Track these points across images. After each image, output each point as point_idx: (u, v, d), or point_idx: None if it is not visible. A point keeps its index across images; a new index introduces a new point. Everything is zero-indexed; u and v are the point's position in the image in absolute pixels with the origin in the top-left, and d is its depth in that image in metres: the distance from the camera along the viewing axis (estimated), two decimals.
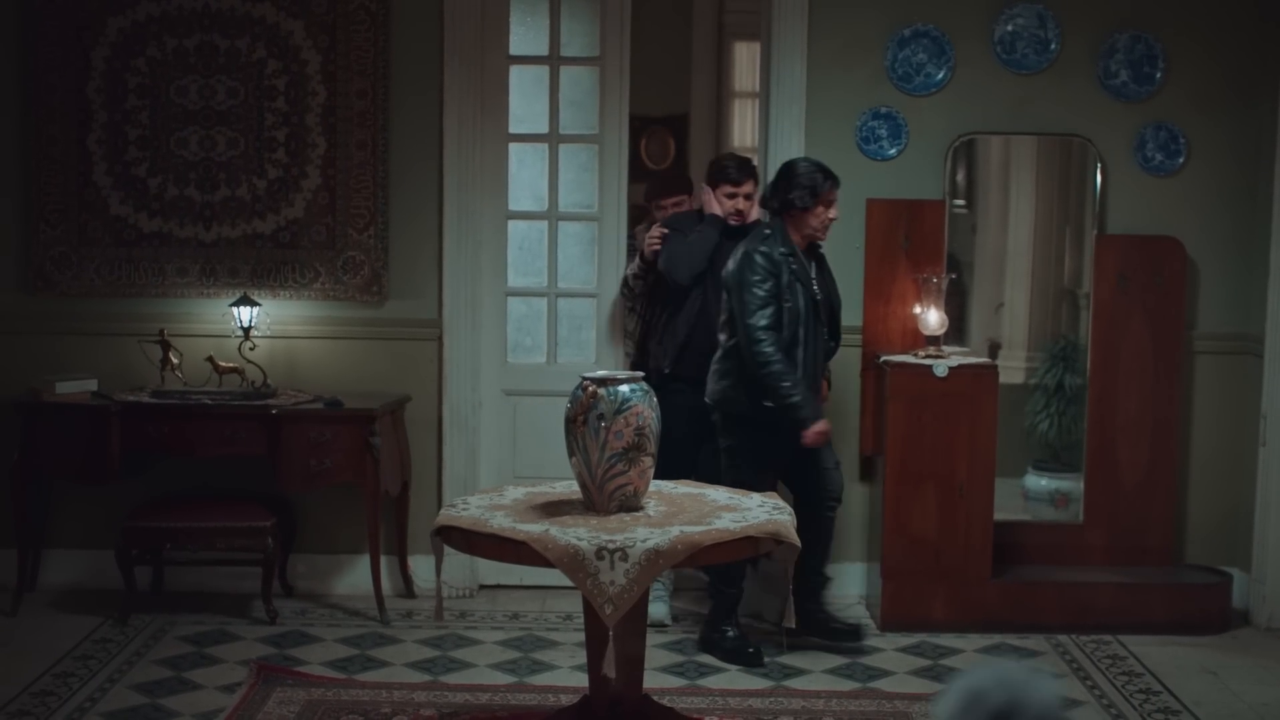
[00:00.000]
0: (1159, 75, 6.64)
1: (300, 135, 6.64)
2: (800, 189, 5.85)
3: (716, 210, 6.28)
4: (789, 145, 6.61)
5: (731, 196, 6.27)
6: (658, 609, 6.25)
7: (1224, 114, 6.67)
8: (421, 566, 6.69)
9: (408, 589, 6.73)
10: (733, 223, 6.24)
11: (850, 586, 6.70)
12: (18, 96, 6.60)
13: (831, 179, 5.90)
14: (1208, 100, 6.66)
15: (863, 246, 6.61)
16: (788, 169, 5.95)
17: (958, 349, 6.55)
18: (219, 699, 5.36)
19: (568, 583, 4.56)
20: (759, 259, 5.80)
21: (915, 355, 6.41)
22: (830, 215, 5.89)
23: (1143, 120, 6.65)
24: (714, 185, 6.32)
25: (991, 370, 6.31)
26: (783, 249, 5.84)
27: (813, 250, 5.99)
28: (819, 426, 5.81)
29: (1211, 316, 6.75)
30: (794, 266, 5.82)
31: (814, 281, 5.91)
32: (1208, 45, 6.66)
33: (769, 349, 5.73)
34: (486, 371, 6.82)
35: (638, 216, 7.41)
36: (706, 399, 5.99)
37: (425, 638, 6.16)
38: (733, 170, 6.31)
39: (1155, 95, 6.65)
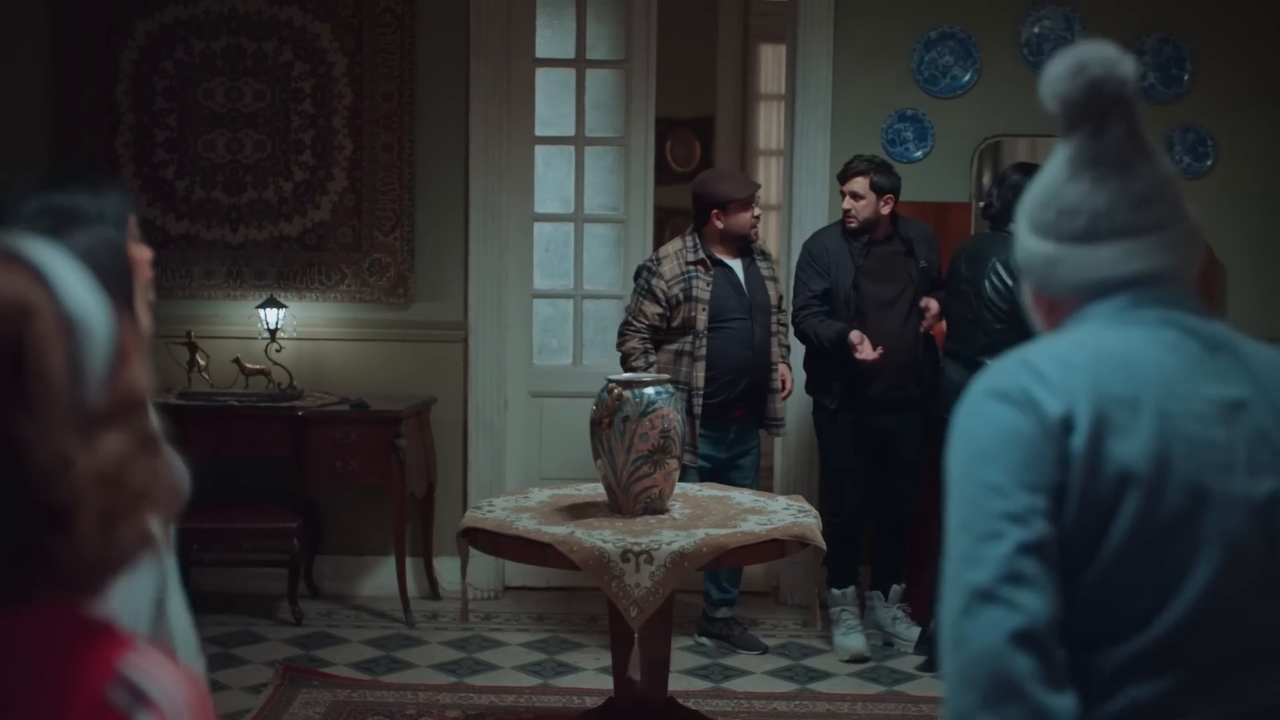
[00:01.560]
0: (1187, 78, 6.61)
1: (327, 138, 6.66)
2: (1012, 188, 5.85)
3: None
4: (815, 148, 6.60)
5: (842, 195, 6.03)
6: (855, 640, 6.04)
7: (1252, 117, 6.64)
8: (447, 568, 6.70)
9: (433, 591, 6.74)
10: (847, 224, 6.02)
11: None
12: (46, 99, 6.63)
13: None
14: (1236, 103, 6.63)
15: None
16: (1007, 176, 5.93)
17: None
18: (245, 700, 5.38)
19: (593, 585, 4.56)
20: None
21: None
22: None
23: (1170, 123, 6.63)
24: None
25: None
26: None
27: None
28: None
29: (1240, 319, 6.71)
30: None
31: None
32: (1236, 48, 6.64)
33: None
34: (512, 373, 6.83)
35: (663, 219, 7.42)
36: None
37: (450, 639, 6.17)
38: (844, 168, 6.06)
39: (1183, 98, 6.63)
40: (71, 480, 1.24)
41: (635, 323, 5.87)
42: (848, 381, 5.93)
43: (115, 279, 2.04)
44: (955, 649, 1.65)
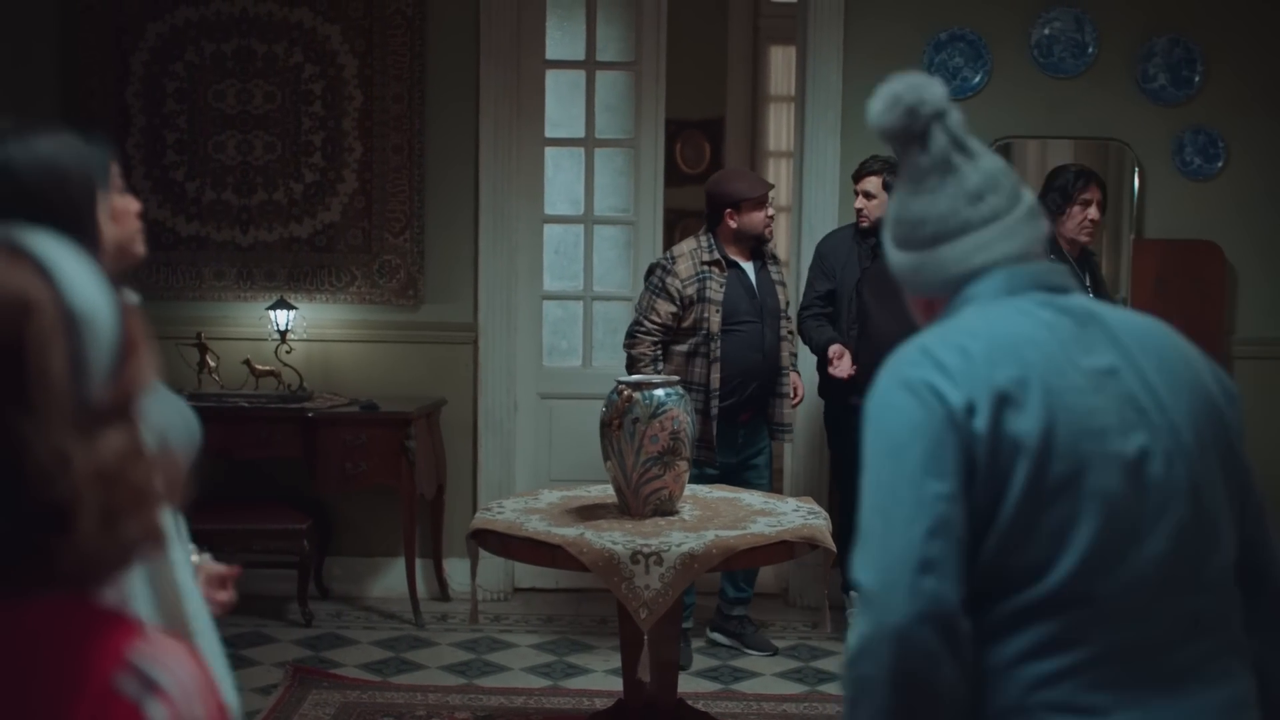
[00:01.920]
0: (1198, 79, 6.60)
1: (337, 139, 6.67)
2: (1052, 191, 5.86)
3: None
4: (825, 150, 6.60)
5: (856, 195, 6.11)
6: None
7: (1263, 118, 6.63)
8: (456, 570, 6.70)
9: (443, 592, 6.74)
10: (860, 224, 6.09)
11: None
12: (58, 101, 6.64)
13: (1085, 176, 5.88)
14: (1247, 104, 6.62)
15: None
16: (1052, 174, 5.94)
17: None
18: (255, 701, 5.39)
19: (602, 586, 4.56)
20: None
21: None
22: (1089, 215, 5.84)
23: (1181, 124, 6.62)
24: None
25: None
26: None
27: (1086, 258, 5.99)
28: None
29: (1251, 321, 6.70)
30: None
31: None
32: (1247, 49, 6.62)
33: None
34: (522, 375, 6.83)
35: (672, 221, 7.41)
36: None
37: (460, 641, 6.18)
38: (859, 167, 6.12)
39: (1194, 99, 6.61)
40: (71, 478, 1.24)
41: (646, 323, 5.84)
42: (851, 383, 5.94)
43: (78, 187, 2.03)
44: (868, 625, 1.83)
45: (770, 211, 6.01)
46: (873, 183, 5.95)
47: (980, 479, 1.87)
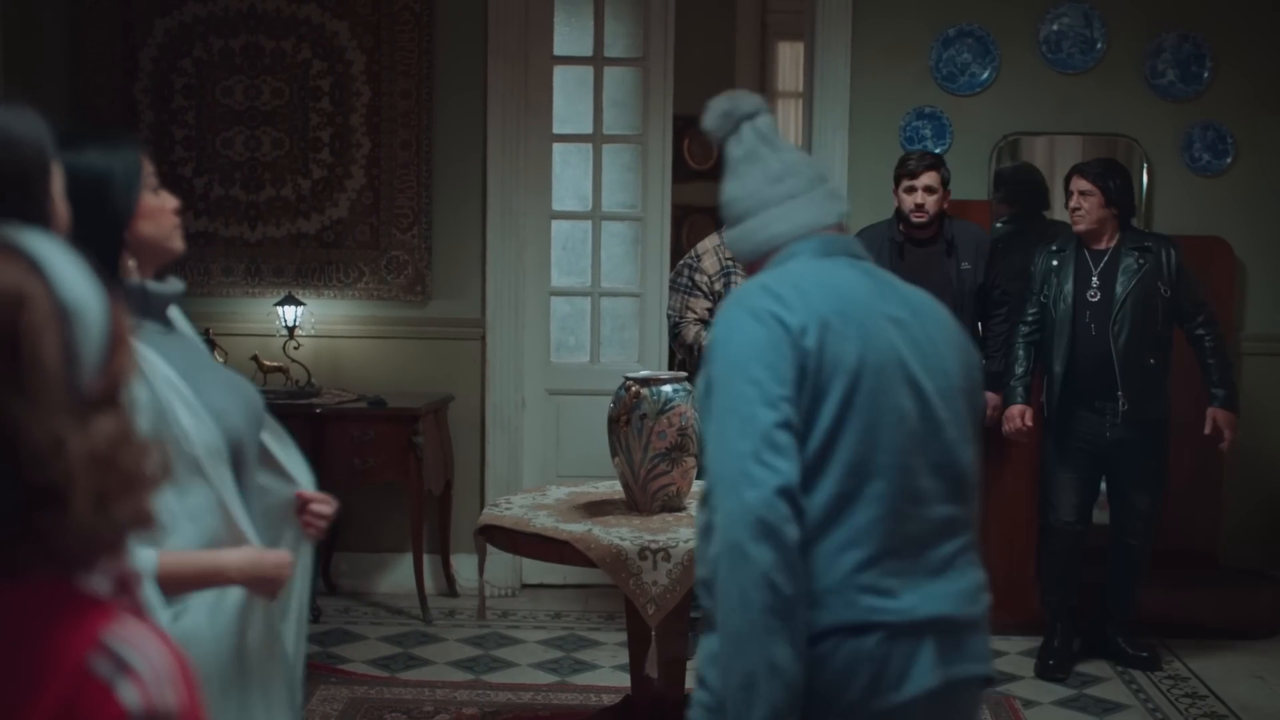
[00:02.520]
0: (1207, 75, 6.59)
1: (345, 135, 6.67)
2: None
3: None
4: (833, 145, 6.59)
5: (910, 191, 5.93)
6: None
7: (1272, 114, 6.61)
8: (464, 565, 6.71)
9: (450, 588, 6.75)
10: (915, 219, 5.92)
11: None
12: (66, 97, 6.65)
13: (1074, 169, 5.91)
14: (1256, 100, 6.61)
15: None
16: (1125, 172, 5.92)
17: None
18: None
19: (610, 582, 4.56)
20: None
21: None
22: (1070, 204, 5.83)
23: (1190, 120, 6.61)
24: (896, 183, 6.00)
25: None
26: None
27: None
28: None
29: (1259, 318, 6.69)
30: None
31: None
32: (1256, 45, 6.61)
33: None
34: (530, 371, 6.83)
35: (680, 217, 7.39)
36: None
37: (467, 636, 6.18)
38: (911, 162, 5.95)
39: (1203, 95, 6.60)
40: (65, 461, 1.29)
41: (688, 314, 5.87)
42: None
43: (29, 157, 2.04)
44: (727, 499, 2.25)
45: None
46: (933, 177, 5.88)
47: (807, 388, 2.31)
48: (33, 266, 1.33)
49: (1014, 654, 6.07)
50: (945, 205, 5.95)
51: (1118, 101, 6.60)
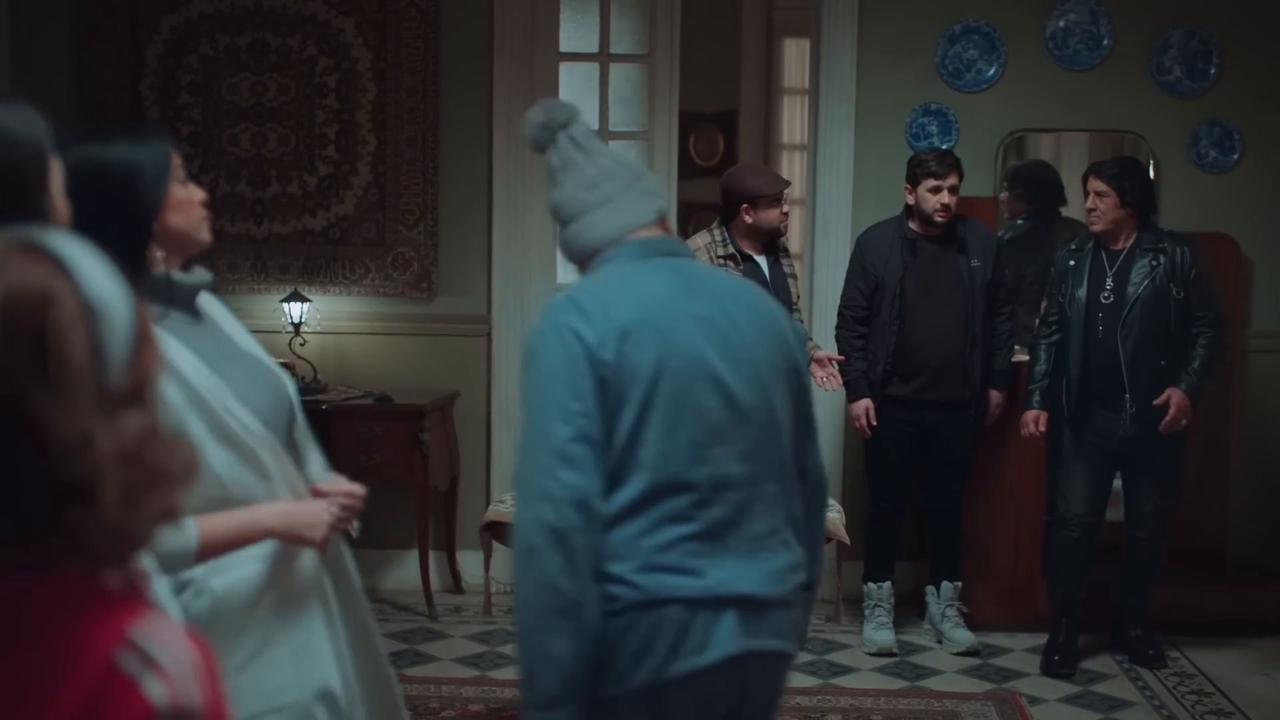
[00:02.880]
0: (1213, 71, 6.58)
1: (351, 132, 6.68)
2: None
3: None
4: (839, 142, 6.59)
5: (937, 191, 5.93)
6: (884, 636, 6.04)
7: (1279, 110, 6.61)
8: (470, 562, 6.71)
9: (456, 584, 6.75)
10: (939, 219, 5.94)
11: (898, 585, 6.68)
12: (73, 94, 6.66)
13: (1090, 169, 5.91)
14: (1263, 96, 6.60)
15: None
16: (1143, 170, 5.93)
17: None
18: None
19: None
20: None
21: None
22: (1086, 205, 5.82)
23: (1197, 116, 6.60)
24: (915, 183, 5.98)
25: None
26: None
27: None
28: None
29: (1266, 314, 6.69)
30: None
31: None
32: (1264, 40, 6.60)
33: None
34: None
35: (686, 214, 7.37)
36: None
37: (473, 633, 6.18)
38: (932, 163, 5.95)
39: (1209, 91, 6.59)
40: (93, 456, 1.31)
41: None
42: (886, 376, 5.96)
43: (25, 154, 2.04)
44: (525, 506, 2.48)
45: (785, 208, 5.98)
46: (956, 177, 5.94)
47: (609, 394, 2.50)
48: (58, 265, 1.35)
49: (1019, 651, 6.06)
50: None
51: (1124, 98, 6.59)
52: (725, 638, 2.53)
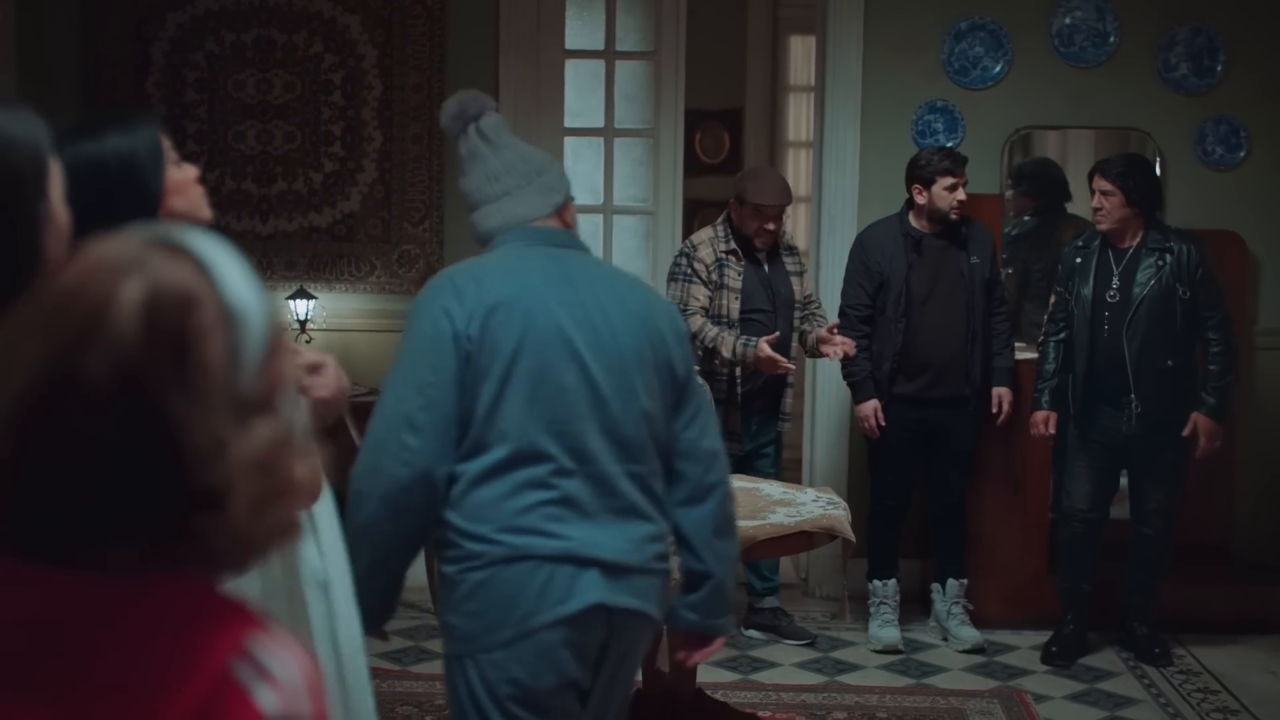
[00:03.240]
0: (1220, 68, 6.57)
1: (356, 129, 6.68)
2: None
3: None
4: (845, 139, 6.58)
5: (953, 189, 5.91)
6: (889, 633, 6.04)
7: None
8: None
9: None
10: (954, 217, 5.94)
11: (904, 583, 6.67)
12: (78, 92, 6.66)
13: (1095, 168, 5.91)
14: (1270, 93, 6.58)
15: None
16: (1149, 168, 5.91)
17: (1020, 343, 6.49)
18: None
19: None
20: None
21: None
22: (1093, 204, 5.83)
23: (1203, 113, 6.59)
24: (928, 182, 5.94)
25: None
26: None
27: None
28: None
29: (1273, 312, 6.67)
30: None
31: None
32: (1270, 38, 6.59)
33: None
34: None
35: (691, 211, 7.36)
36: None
37: None
38: (948, 161, 5.92)
39: (1216, 88, 6.58)
40: (226, 464, 1.30)
41: (688, 309, 5.85)
42: (892, 374, 5.96)
43: (24, 158, 2.01)
44: (369, 454, 2.78)
45: (770, 226, 5.86)
46: (963, 176, 5.95)
47: (473, 367, 2.74)
48: (200, 266, 1.33)
49: (1025, 648, 6.06)
50: None
51: (1130, 95, 6.58)
52: (589, 589, 2.75)
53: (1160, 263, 5.68)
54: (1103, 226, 5.75)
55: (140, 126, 2.59)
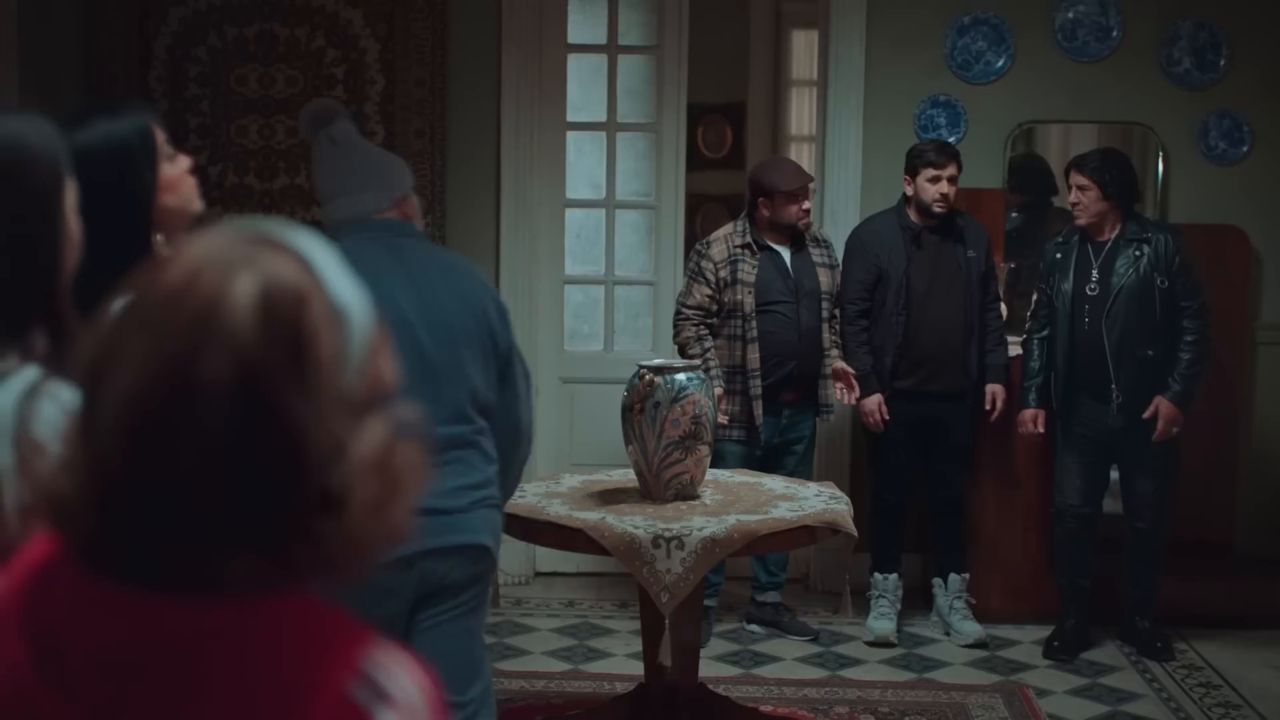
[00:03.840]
0: (1223, 63, 6.56)
1: (358, 124, 6.61)
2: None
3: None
4: (847, 134, 6.58)
5: (935, 180, 5.95)
6: (884, 625, 6.05)
7: None
8: None
9: None
10: (937, 209, 5.96)
11: (906, 578, 6.67)
12: (80, 86, 6.65)
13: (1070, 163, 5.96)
14: (1273, 88, 6.58)
15: None
16: (1125, 161, 5.92)
17: (1016, 338, 6.49)
18: None
19: (624, 570, 4.57)
20: None
21: None
22: (1070, 199, 5.86)
23: (1206, 108, 6.58)
24: (914, 173, 6.00)
25: None
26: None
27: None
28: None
29: (1275, 307, 6.67)
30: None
31: None
32: (1273, 32, 6.58)
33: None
34: (543, 359, 6.83)
35: (694, 206, 7.35)
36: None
37: None
38: (931, 153, 5.98)
39: (1219, 83, 6.58)
40: (345, 466, 1.26)
41: (685, 310, 5.92)
42: (893, 368, 5.97)
43: (44, 170, 1.99)
44: None
45: (806, 204, 5.96)
46: (954, 169, 5.95)
47: None
48: (305, 264, 1.30)
49: (1027, 643, 6.06)
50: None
51: (1133, 90, 6.58)
52: (416, 535, 3.11)
53: (1138, 254, 5.72)
54: (1080, 221, 5.79)
55: (129, 115, 2.55)
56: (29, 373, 1.88)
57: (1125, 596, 6.01)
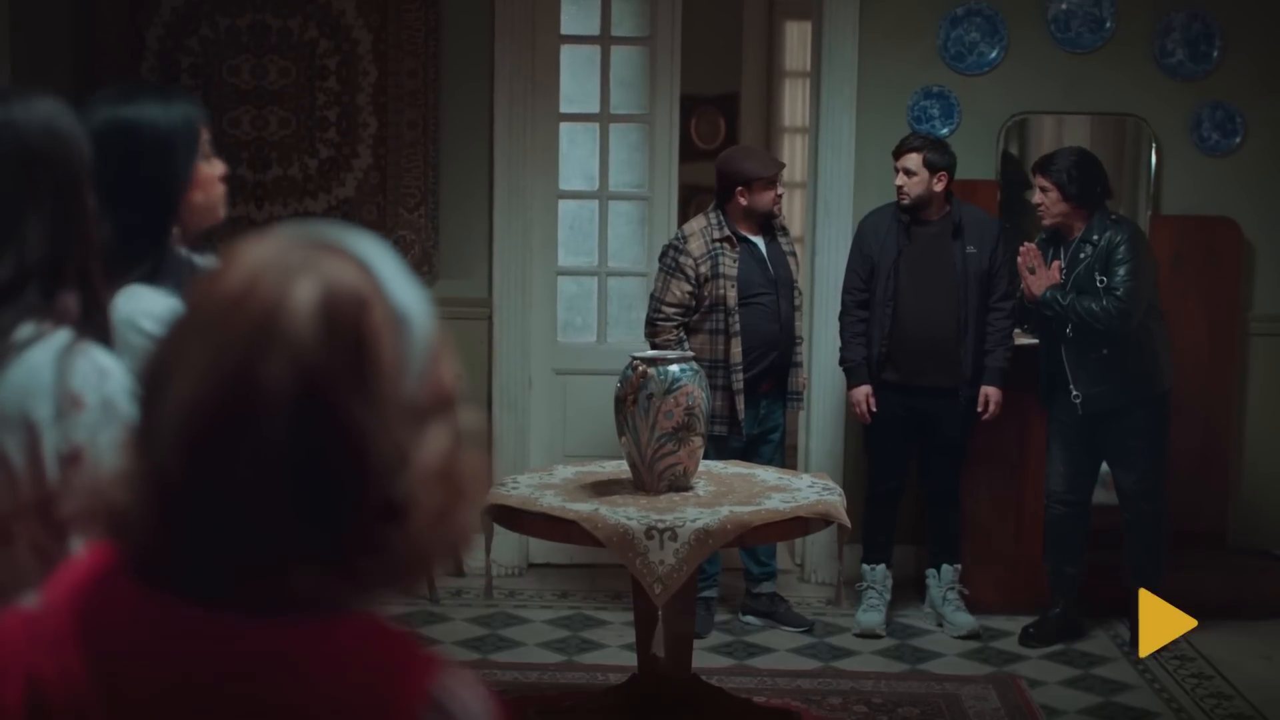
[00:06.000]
0: (1216, 54, 6.56)
1: (351, 115, 6.66)
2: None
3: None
4: (840, 125, 6.58)
5: (897, 173, 5.97)
6: (872, 617, 6.06)
7: None
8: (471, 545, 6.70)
9: (457, 567, 6.75)
10: (900, 200, 5.97)
11: (900, 569, 6.68)
12: (72, 77, 6.64)
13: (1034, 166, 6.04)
14: (1266, 79, 6.58)
15: None
16: (1093, 161, 5.93)
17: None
18: None
19: (617, 562, 4.57)
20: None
21: None
22: (1034, 199, 5.93)
23: (1199, 99, 6.58)
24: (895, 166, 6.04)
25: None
26: None
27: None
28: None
29: (1267, 298, 6.68)
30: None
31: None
32: (1267, 23, 6.58)
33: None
34: (536, 350, 6.83)
35: (687, 197, 7.33)
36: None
37: (474, 616, 6.19)
38: (900, 142, 6.00)
39: (1212, 74, 6.58)
40: (409, 475, 1.23)
41: (664, 309, 5.88)
42: (881, 359, 5.98)
43: (76, 152, 2.05)
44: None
45: (780, 191, 6.02)
46: (914, 159, 5.89)
47: None
48: (365, 268, 1.26)
49: (1020, 634, 6.06)
50: (939, 189, 5.94)
51: (1126, 81, 6.58)
52: None
53: (1084, 254, 5.74)
54: (1045, 223, 5.92)
55: (180, 105, 2.59)
56: (62, 335, 1.96)
57: (1127, 589, 6.03)
